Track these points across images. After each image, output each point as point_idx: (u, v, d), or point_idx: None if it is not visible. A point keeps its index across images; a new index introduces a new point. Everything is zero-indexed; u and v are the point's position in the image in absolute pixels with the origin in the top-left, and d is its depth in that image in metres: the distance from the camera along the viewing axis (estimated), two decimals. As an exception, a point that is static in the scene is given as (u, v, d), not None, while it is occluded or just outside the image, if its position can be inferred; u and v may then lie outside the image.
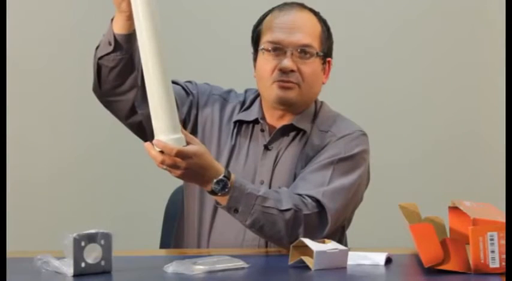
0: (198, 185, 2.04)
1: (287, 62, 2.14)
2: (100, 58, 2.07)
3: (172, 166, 1.91)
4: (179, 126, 1.93)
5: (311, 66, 2.17)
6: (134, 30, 1.97)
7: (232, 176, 2.00)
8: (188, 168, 1.92)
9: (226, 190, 1.98)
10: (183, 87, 2.24)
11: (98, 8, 3.42)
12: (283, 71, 2.15)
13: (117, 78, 2.09)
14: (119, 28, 2.03)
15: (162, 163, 1.90)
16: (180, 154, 1.90)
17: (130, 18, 1.97)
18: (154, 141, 1.90)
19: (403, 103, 3.42)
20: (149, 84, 1.91)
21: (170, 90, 1.92)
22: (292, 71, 2.15)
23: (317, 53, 2.17)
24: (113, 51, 2.05)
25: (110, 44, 2.05)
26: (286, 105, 2.18)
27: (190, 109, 2.24)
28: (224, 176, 1.97)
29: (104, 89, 2.11)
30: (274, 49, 2.17)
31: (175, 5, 3.22)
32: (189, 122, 2.24)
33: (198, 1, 3.40)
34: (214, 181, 1.96)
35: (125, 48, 2.04)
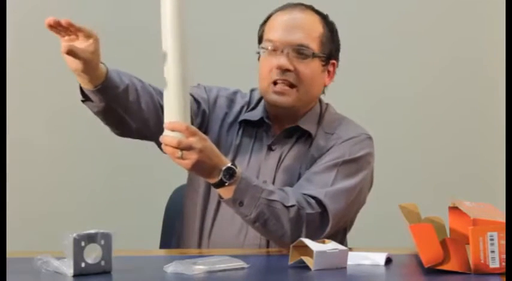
0: (204, 176, 2.02)
1: (283, 61, 2.15)
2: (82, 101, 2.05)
3: (188, 148, 1.91)
4: (189, 119, 1.94)
5: (308, 66, 2.17)
6: (99, 85, 1.95)
7: (238, 168, 2.00)
8: (203, 151, 1.92)
9: (234, 178, 1.98)
10: (194, 99, 2.21)
11: (101, 7, 3.44)
12: (280, 70, 2.15)
13: (105, 121, 2.08)
14: (83, 84, 1.99)
15: (179, 144, 1.90)
16: (193, 130, 1.91)
17: (88, 79, 1.94)
18: (164, 124, 1.93)
19: (403, 103, 3.42)
20: (166, 75, 1.93)
21: (186, 84, 1.93)
22: (288, 70, 2.15)
23: (313, 54, 2.17)
24: (85, 101, 2.03)
25: (81, 94, 2.02)
26: (283, 108, 2.18)
27: (203, 119, 2.24)
28: (232, 164, 1.98)
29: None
30: (273, 48, 2.17)
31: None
32: (202, 129, 2.22)
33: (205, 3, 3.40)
34: (224, 168, 1.97)
35: (94, 100, 2.00)
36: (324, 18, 2.23)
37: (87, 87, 1.97)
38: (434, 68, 3.43)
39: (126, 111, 2.05)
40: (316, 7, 2.25)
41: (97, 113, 2.04)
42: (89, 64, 1.90)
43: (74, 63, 1.90)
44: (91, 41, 1.88)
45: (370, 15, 3.43)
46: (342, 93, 2.98)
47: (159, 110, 2.09)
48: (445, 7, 3.42)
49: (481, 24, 3.42)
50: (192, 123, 1.98)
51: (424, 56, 3.42)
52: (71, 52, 1.86)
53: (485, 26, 3.41)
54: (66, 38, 1.89)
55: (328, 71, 2.23)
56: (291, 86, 2.16)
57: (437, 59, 3.42)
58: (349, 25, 3.28)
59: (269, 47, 2.17)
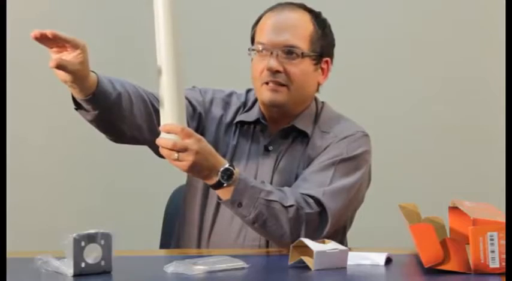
0: (202, 178, 2.02)
1: (272, 63, 2.14)
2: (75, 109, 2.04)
3: (184, 150, 1.90)
4: (185, 121, 1.94)
5: (298, 66, 2.16)
6: (90, 95, 1.94)
7: (236, 169, 2.00)
8: (199, 152, 1.91)
9: (232, 179, 1.98)
10: (190, 102, 2.21)
11: (99, 6, 3.44)
12: (270, 72, 2.15)
13: (99, 128, 2.07)
14: (75, 94, 1.98)
15: (174, 146, 1.90)
16: (188, 132, 1.91)
17: (79, 89, 1.93)
18: (160, 127, 1.93)
19: (403, 102, 3.42)
20: (160, 77, 1.92)
21: (180, 87, 1.93)
22: (278, 71, 2.15)
23: (303, 53, 2.16)
24: (78, 109, 2.02)
25: (73, 102, 2.02)
26: (276, 107, 2.18)
27: (199, 123, 2.23)
28: (230, 165, 1.98)
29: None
30: (263, 50, 2.17)
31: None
32: (198, 132, 2.22)
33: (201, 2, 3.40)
34: (221, 169, 1.97)
35: (87, 108, 1.99)
36: (316, 15, 2.22)
37: (79, 96, 1.96)
38: (436, 67, 3.42)
39: (119, 118, 2.04)
40: (320, 5, 2.25)
41: (91, 121, 2.03)
42: (77, 75, 1.88)
43: (63, 75, 1.88)
44: (78, 51, 1.86)
45: (375, 18, 3.43)
46: (343, 91, 3.00)
47: (152, 115, 2.08)
48: (451, 11, 3.43)
49: (482, 25, 3.42)
50: (188, 126, 1.98)
51: (426, 55, 3.42)
52: (60, 66, 1.84)
53: (486, 27, 3.41)
54: (55, 49, 1.88)
55: (322, 69, 2.23)
56: (282, 85, 2.16)
57: (440, 59, 3.42)
58: (352, 27, 3.30)
59: (259, 49, 2.17)
